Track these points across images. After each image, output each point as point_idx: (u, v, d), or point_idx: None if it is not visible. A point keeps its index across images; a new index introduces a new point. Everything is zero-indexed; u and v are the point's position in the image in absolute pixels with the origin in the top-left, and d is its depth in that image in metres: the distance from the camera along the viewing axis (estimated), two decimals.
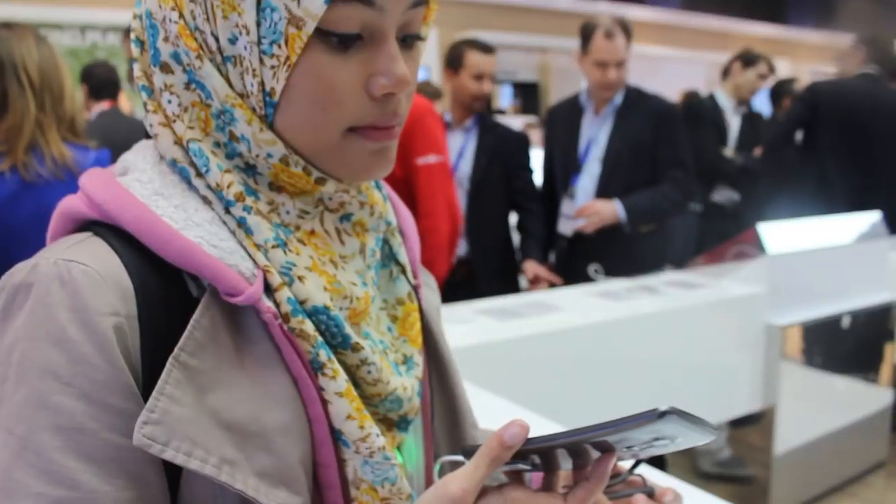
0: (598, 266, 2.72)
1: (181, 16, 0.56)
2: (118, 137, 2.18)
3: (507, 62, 9.59)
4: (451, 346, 0.80)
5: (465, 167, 2.95)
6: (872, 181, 3.36)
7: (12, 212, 1.76)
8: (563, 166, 2.96)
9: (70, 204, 0.59)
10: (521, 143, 3.06)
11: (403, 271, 0.71)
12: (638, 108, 2.84)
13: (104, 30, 6.71)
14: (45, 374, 0.50)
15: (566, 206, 2.93)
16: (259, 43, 0.54)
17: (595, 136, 2.88)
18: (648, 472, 0.88)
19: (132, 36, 0.60)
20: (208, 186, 0.58)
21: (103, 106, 3.16)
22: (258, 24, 0.53)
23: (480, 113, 2.99)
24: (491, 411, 1.00)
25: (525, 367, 2.04)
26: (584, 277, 2.79)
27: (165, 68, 0.57)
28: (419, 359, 0.69)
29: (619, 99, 2.84)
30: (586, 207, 2.74)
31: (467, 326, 2.11)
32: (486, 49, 2.94)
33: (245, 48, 0.54)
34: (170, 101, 0.58)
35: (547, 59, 11.04)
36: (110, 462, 0.51)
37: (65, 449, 0.50)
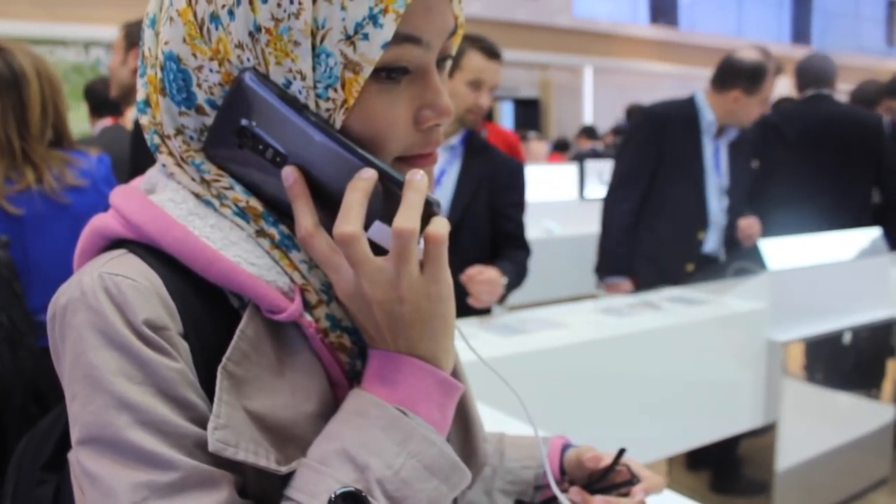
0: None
1: (221, 65, 0.57)
2: (118, 153, 2.19)
3: (508, 79, 9.63)
4: None
5: (445, 194, 2.28)
6: (824, 200, 3.35)
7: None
8: (687, 188, 3.00)
9: (104, 222, 0.60)
10: (516, 174, 2.42)
11: None
12: (743, 140, 3.09)
13: (107, 46, 6.76)
14: (118, 377, 0.52)
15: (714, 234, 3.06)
16: (314, 87, 0.56)
17: (717, 161, 3.02)
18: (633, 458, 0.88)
19: (151, 72, 0.60)
20: (237, 213, 0.59)
21: (106, 122, 3.18)
22: (313, 69, 0.55)
23: (470, 130, 2.35)
24: (494, 427, 1.00)
25: (527, 382, 2.03)
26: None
27: (201, 111, 0.59)
28: None
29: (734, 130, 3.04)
30: (750, 225, 3.05)
31: (470, 342, 2.10)
32: (491, 53, 2.23)
33: (300, 92, 0.56)
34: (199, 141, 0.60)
35: (548, 75, 11.08)
36: (198, 448, 0.53)
37: (156, 441, 0.51)
